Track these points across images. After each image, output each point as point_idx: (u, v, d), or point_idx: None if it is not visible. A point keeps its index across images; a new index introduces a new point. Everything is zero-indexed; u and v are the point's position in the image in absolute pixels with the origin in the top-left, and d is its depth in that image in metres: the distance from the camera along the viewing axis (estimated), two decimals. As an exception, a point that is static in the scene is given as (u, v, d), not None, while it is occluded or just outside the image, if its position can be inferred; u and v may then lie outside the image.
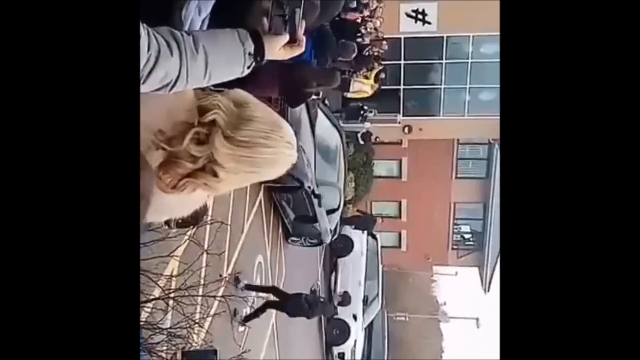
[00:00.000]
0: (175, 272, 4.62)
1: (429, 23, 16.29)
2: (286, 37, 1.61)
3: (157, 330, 4.02)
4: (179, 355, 4.45)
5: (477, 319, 32.27)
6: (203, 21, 1.59)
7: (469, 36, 16.66)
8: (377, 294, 15.77)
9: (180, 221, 1.90)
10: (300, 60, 3.93)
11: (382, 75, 12.68)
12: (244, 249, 7.60)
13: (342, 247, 15.52)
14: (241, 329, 7.39)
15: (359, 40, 10.26)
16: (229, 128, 1.50)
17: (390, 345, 18.87)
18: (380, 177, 20.52)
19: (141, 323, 3.94)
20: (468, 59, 17.06)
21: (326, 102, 10.40)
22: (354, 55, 7.90)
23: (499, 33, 1.28)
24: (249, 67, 1.53)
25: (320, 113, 9.05)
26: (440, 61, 17.25)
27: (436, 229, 22.56)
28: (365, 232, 15.75)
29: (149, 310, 4.20)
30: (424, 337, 32.65)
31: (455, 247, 23.63)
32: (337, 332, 14.63)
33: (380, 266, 16.61)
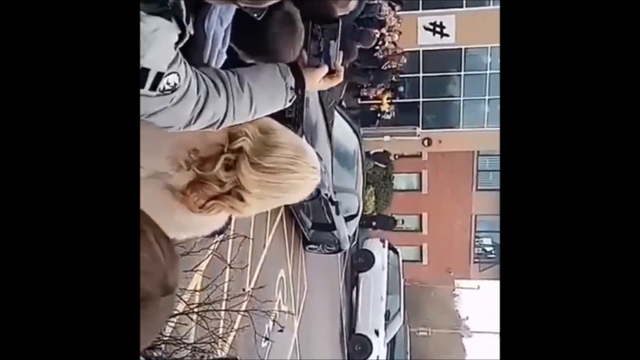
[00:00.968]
0: (198, 287, 4.62)
1: (447, 35, 16.32)
2: (325, 69, 1.65)
3: (182, 345, 4.01)
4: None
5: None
6: (226, 31, 1.57)
7: (487, 47, 16.64)
8: (399, 309, 15.62)
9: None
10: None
11: (397, 97, 12.62)
12: (266, 263, 7.59)
13: (363, 261, 15.45)
14: (264, 344, 7.34)
15: (376, 55, 10.30)
16: (255, 155, 1.55)
17: (413, 360, 18.69)
18: (400, 190, 20.46)
19: (165, 338, 3.93)
20: (486, 70, 17.03)
21: (343, 104, 10.19)
22: (373, 42, 7.86)
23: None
24: (290, 100, 1.57)
25: (337, 116, 8.81)
26: (459, 73, 17.25)
27: (457, 242, 22.37)
28: (387, 246, 15.65)
29: (173, 324, 4.19)
30: (446, 353, 32.23)
31: (477, 260, 23.38)
32: (359, 348, 14.51)
33: (402, 280, 16.47)
